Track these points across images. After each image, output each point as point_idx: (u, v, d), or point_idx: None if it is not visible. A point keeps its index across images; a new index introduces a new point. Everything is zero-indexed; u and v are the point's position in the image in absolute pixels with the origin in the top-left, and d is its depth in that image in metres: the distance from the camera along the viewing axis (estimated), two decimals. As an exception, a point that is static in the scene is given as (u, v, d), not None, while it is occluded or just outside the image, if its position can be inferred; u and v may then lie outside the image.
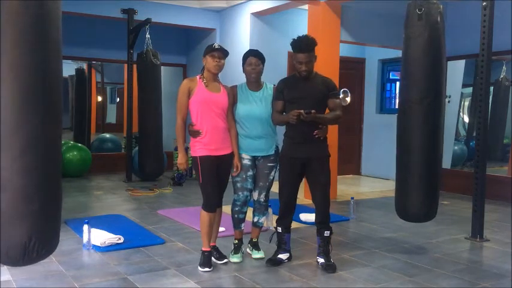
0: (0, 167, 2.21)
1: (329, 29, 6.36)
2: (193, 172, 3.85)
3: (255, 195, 3.85)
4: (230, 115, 3.72)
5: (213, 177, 3.59)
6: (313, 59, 3.63)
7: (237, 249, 3.87)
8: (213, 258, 3.71)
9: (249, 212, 3.94)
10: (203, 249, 3.65)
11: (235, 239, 3.91)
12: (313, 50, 3.61)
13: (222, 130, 3.63)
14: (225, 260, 3.75)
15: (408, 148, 3.94)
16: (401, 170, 4.02)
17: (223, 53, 3.59)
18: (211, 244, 3.72)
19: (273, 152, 3.80)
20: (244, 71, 3.77)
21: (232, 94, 3.74)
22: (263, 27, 7.70)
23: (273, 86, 3.84)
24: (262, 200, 3.85)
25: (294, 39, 3.62)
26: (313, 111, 3.50)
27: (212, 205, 3.60)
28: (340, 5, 6.45)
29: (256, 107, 3.72)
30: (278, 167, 3.84)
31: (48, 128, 2.31)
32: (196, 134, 3.59)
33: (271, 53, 6.97)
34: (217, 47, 3.57)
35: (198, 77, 3.66)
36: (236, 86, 3.83)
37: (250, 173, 3.76)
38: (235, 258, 3.80)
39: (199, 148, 3.59)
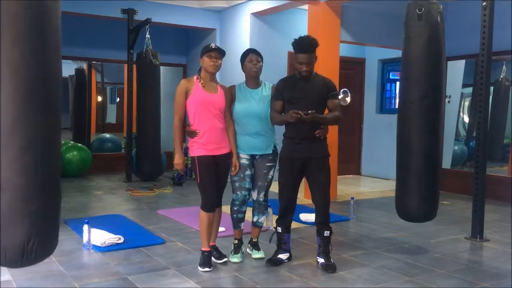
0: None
1: (329, 29, 6.35)
2: (193, 172, 3.85)
3: (254, 194, 3.85)
4: (228, 115, 3.72)
5: (211, 177, 3.59)
6: (314, 60, 3.63)
7: (236, 249, 3.87)
8: (212, 258, 3.71)
9: (249, 212, 3.94)
10: (203, 249, 3.65)
11: (235, 238, 3.90)
12: (314, 50, 3.60)
13: (219, 130, 3.63)
14: (225, 260, 3.75)
15: (408, 148, 3.94)
16: (402, 170, 4.02)
17: (220, 53, 3.60)
18: (211, 244, 3.72)
19: (270, 152, 3.80)
20: (243, 68, 3.78)
21: (230, 94, 3.74)
22: (263, 27, 7.70)
23: (271, 86, 3.84)
24: (261, 199, 3.85)
25: (295, 39, 3.61)
26: (311, 111, 3.48)
27: (210, 205, 3.60)
28: (340, 5, 6.45)
29: (254, 104, 3.72)
30: (277, 167, 3.83)
31: (48, 128, 2.31)
32: (193, 134, 3.60)
33: (271, 53, 6.98)
34: (213, 47, 3.59)
35: (195, 77, 3.66)
36: (234, 86, 3.83)
37: (248, 172, 3.76)
38: (235, 258, 3.80)
39: (196, 148, 3.60)
